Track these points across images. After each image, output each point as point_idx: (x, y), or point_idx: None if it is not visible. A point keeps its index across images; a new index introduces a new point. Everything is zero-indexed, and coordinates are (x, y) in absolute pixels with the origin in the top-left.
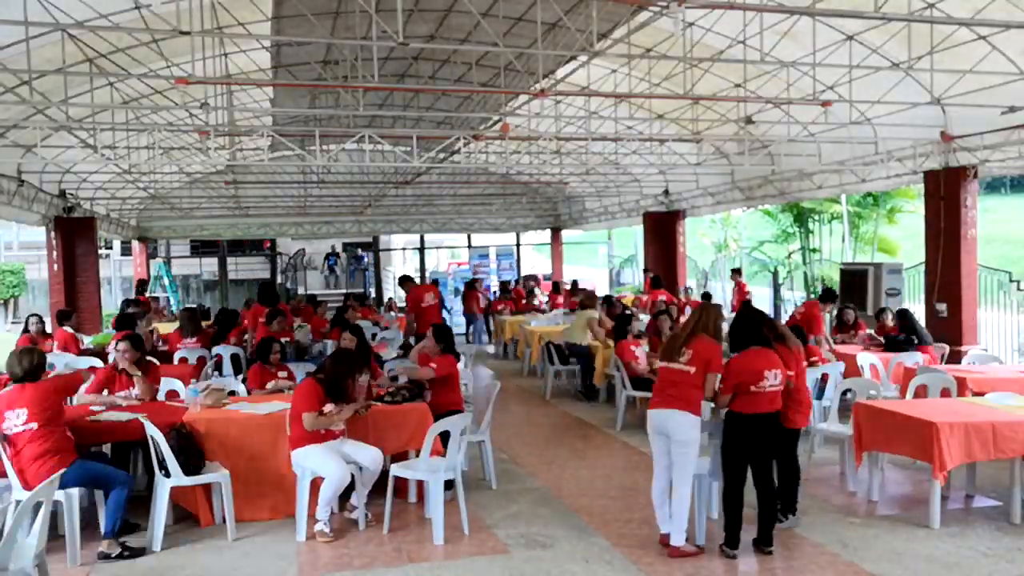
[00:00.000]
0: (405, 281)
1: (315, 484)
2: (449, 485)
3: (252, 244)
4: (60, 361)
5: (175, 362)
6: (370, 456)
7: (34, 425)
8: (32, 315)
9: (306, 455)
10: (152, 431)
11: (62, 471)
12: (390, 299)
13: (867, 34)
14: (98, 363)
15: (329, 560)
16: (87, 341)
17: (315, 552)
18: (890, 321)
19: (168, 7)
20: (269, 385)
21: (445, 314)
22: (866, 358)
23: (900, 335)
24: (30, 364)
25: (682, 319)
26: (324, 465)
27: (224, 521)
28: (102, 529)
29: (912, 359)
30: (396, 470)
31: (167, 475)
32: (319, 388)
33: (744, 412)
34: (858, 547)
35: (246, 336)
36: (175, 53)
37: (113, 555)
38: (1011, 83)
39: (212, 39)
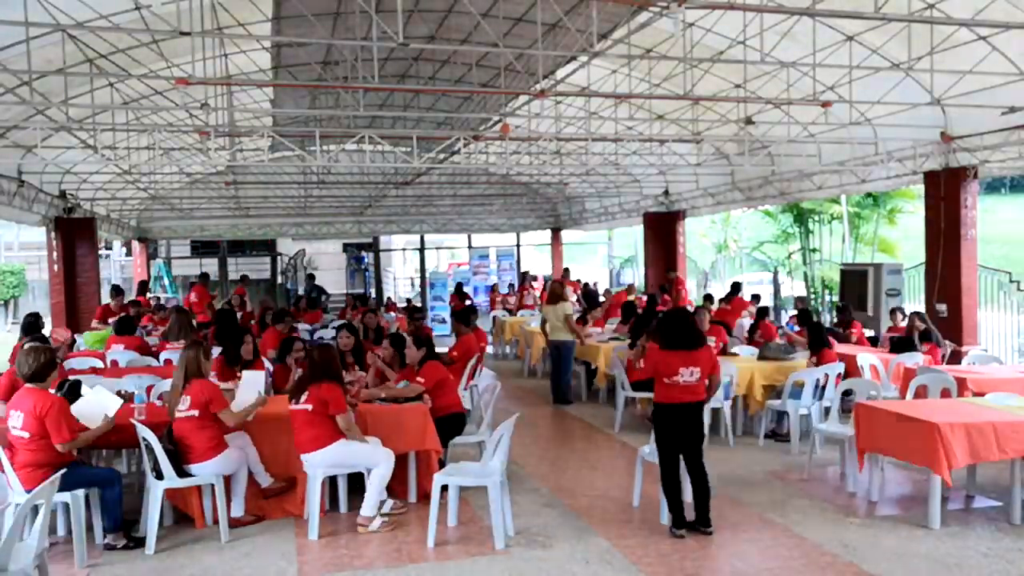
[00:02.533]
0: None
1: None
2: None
3: (253, 244)
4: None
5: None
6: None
7: (26, 434)
8: (30, 313)
9: (345, 450)
10: (145, 433)
11: (60, 472)
12: (388, 299)
13: (867, 35)
14: (98, 363)
15: (329, 560)
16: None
17: (315, 552)
18: (900, 321)
19: (168, 8)
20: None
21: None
22: (866, 358)
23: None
24: (36, 363)
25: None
26: (374, 454)
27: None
28: (102, 526)
29: (912, 359)
30: (445, 479)
31: (159, 477)
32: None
33: (662, 402)
34: (858, 547)
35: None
36: (175, 54)
37: (119, 546)
38: (1011, 84)
39: (212, 39)
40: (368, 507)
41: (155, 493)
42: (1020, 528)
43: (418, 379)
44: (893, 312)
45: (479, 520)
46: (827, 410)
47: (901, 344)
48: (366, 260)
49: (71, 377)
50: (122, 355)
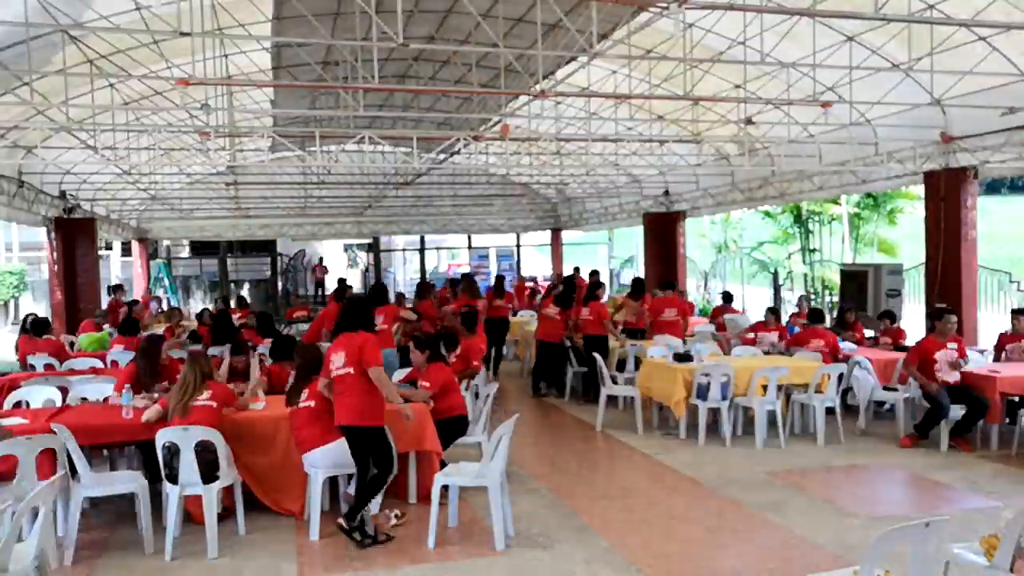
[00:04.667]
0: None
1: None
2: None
3: (253, 244)
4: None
5: None
6: None
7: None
8: (29, 315)
9: (345, 448)
10: (175, 437)
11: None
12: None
13: (867, 35)
14: (98, 363)
15: (330, 560)
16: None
17: (315, 552)
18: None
19: (168, 8)
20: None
21: None
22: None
23: None
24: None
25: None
26: (389, 448)
27: (233, 518)
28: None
29: None
30: (445, 479)
31: (173, 482)
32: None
33: None
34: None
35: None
36: (175, 54)
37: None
38: (1011, 84)
39: (212, 40)
40: (375, 504)
41: (172, 499)
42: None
43: (423, 383)
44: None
45: (479, 520)
46: (830, 409)
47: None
48: (356, 255)
49: None
50: (123, 356)
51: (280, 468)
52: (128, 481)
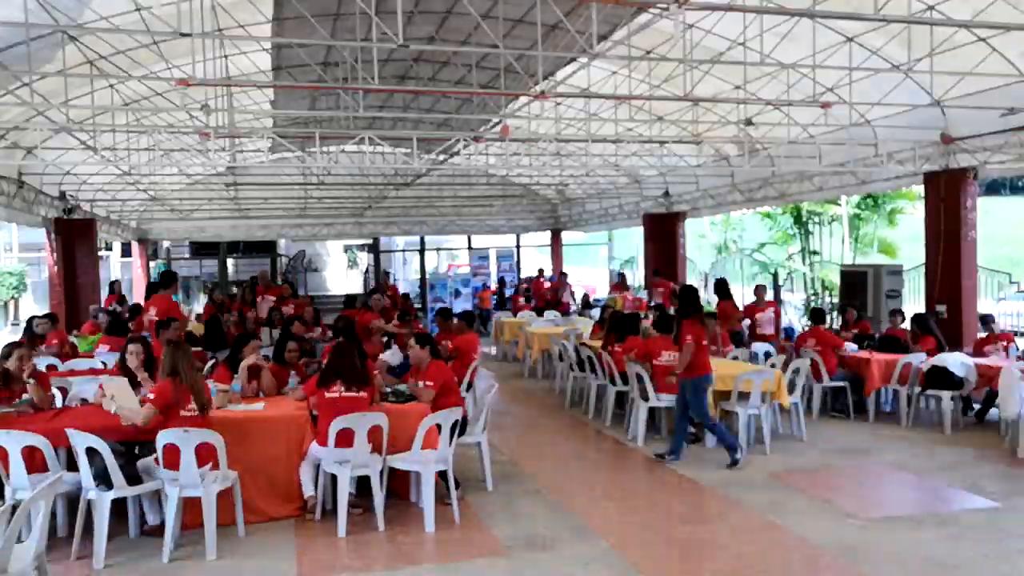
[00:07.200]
0: None
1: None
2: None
3: (253, 245)
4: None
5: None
6: None
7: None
8: (33, 317)
9: None
10: (93, 442)
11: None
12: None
13: (867, 36)
14: (98, 364)
15: (329, 562)
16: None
17: (315, 553)
18: (900, 323)
19: (168, 9)
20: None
21: None
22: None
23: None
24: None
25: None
26: None
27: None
28: None
29: (918, 358)
30: (393, 462)
31: (108, 487)
32: None
33: None
34: (858, 548)
35: None
36: (175, 55)
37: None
38: (1011, 85)
39: (212, 41)
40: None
41: (172, 499)
42: (1020, 530)
43: (427, 383)
44: (893, 314)
45: (479, 521)
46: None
47: (887, 343)
48: (356, 256)
49: None
50: (109, 356)
51: (280, 470)
52: (155, 482)
